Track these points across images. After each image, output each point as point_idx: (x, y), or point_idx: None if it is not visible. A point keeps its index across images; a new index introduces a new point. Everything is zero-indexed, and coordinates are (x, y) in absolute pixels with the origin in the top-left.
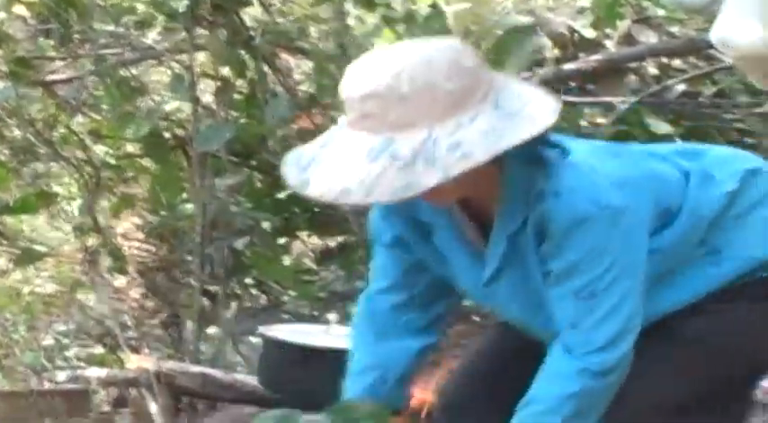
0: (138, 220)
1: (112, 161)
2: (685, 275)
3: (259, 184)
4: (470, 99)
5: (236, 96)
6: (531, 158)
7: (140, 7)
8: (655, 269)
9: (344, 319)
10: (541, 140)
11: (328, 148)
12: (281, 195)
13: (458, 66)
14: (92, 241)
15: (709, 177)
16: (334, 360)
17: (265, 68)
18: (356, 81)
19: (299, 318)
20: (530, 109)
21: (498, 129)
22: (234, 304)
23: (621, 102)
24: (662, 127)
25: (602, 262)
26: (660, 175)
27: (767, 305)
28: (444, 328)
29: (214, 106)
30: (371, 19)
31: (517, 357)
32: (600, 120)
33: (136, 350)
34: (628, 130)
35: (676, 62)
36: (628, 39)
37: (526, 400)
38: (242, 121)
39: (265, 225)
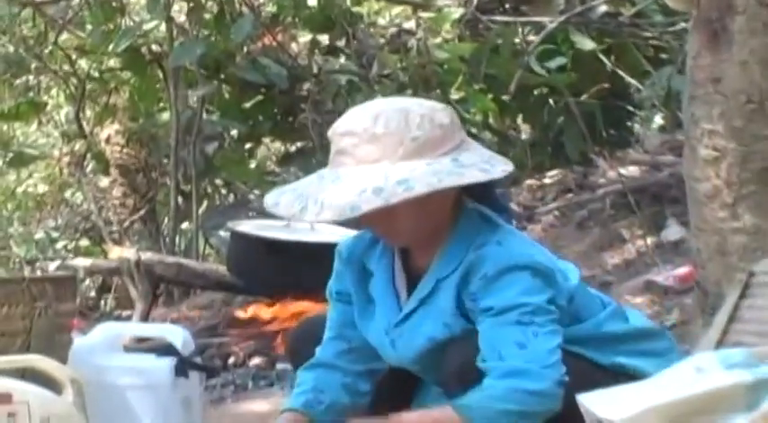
0: (119, 127)
1: (96, 74)
2: None
3: (227, 95)
4: (434, 150)
5: (206, 16)
6: (483, 217)
7: None
8: None
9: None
10: (493, 204)
11: (308, 179)
12: (248, 105)
13: (430, 120)
14: (78, 146)
15: (623, 315)
16: (294, 251)
17: None
18: (343, 121)
19: (264, 214)
20: (483, 165)
21: (445, 173)
22: (205, 202)
23: (551, 21)
24: (587, 44)
25: (533, 300)
26: (584, 287)
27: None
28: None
29: (187, 25)
30: None
31: None
32: (531, 37)
33: (118, 242)
34: (557, 48)
35: None
36: None
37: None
38: (212, 38)
39: (233, 132)
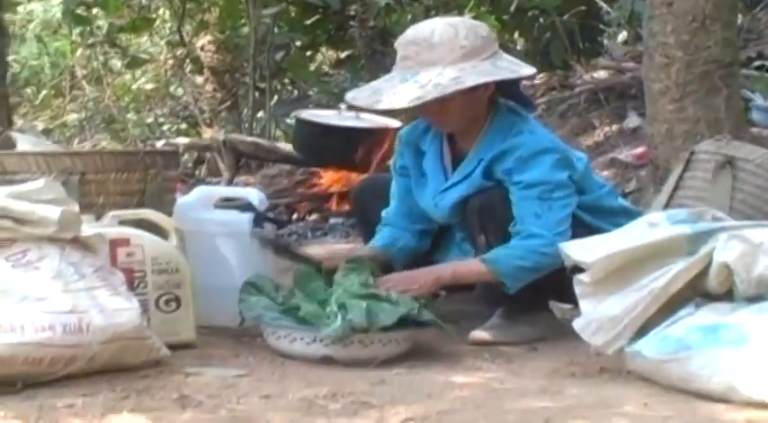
0: (211, 38)
1: None
2: None
3: (293, 14)
4: (477, 56)
5: None
6: (512, 111)
7: None
8: None
9: (351, 107)
10: (520, 100)
11: (378, 81)
12: (308, 21)
13: (474, 32)
14: (179, 52)
15: (615, 195)
16: (344, 134)
17: None
18: (406, 34)
19: (320, 106)
20: (514, 67)
21: (486, 72)
22: (276, 96)
23: None
24: None
25: (555, 178)
26: (589, 170)
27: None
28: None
29: None
30: None
31: None
32: None
33: (209, 126)
34: None
35: None
36: None
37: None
38: None
39: (297, 42)
